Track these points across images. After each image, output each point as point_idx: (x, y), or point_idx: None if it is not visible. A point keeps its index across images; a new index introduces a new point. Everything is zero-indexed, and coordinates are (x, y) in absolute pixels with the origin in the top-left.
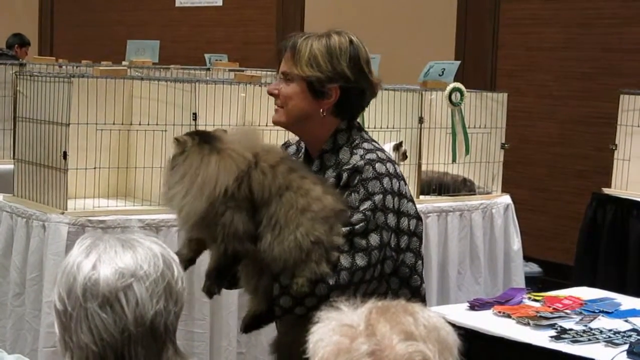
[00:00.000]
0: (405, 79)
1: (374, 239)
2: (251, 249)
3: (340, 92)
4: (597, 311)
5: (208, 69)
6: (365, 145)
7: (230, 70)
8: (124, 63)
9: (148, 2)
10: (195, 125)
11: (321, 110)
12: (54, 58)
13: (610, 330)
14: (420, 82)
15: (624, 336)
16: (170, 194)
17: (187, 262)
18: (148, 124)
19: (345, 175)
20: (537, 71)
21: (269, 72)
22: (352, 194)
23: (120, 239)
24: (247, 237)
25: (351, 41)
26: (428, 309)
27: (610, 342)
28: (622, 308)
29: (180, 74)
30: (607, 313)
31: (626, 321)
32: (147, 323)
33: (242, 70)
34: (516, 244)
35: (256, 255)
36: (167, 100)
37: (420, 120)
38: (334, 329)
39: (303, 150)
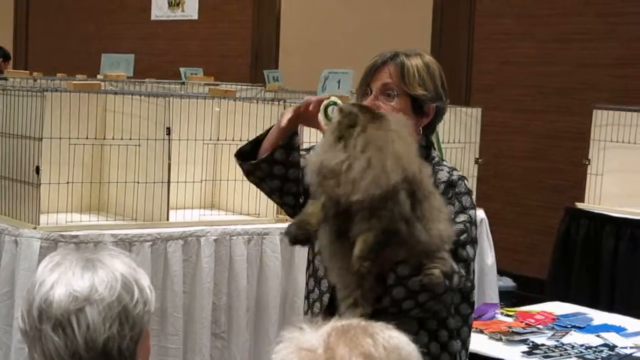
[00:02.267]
0: None
1: (470, 251)
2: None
3: (435, 112)
4: (569, 326)
5: (183, 83)
6: (445, 164)
7: (205, 85)
8: (98, 77)
9: (123, 15)
10: (169, 140)
11: (420, 127)
12: (27, 71)
13: (582, 346)
14: None
15: (595, 351)
16: (351, 162)
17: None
18: (122, 139)
19: (441, 187)
20: (512, 86)
21: (244, 87)
22: (448, 206)
23: (84, 258)
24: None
25: (437, 62)
26: (389, 328)
27: (581, 357)
28: (594, 323)
29: (155, 88)
30: (579, 328)
31: (598, 336)
32: (98, 347)
33: (217, 84)
34: (490, 258)
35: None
36: (140, 114)
37: None
38: (293, 351)
39: None
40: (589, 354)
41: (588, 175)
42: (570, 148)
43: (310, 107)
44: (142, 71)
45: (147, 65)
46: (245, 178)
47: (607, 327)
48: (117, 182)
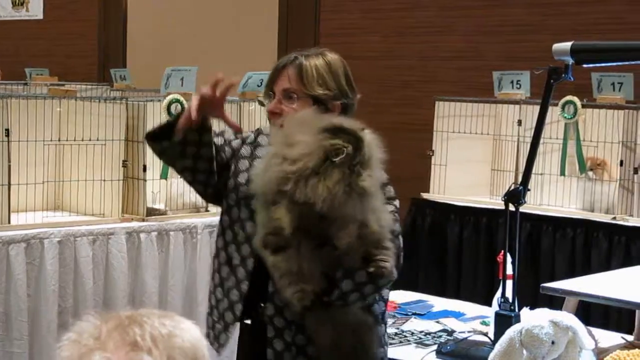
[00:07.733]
0: None
1: (401, 240)
2: None
3: (341, 109)
4: (409, 314)
5: (25, 84)
6: None
7: (50, 85)
8: None
9: None
10: (9, 141)
11: None
12: None
13: (421, 332)
14: (239, 93)
15: (434, 337)
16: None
17: None
18: None
19: None
20: (358, 80)
21: (89, 86)
22: None
23: None
24: None
25: (341, 59)
26: (169, 317)
27: (420, 343)
28: (434, 310)
29: None
30: (420, 315)
31: (437, 322)
32: None
33: (62, 85)
34: None
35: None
36: None
37: None
38: (67, 344)
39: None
40: (427, 340)
41: (432, 166)
42: (416, 140)
43: (218, 94)
44: None
45: None
46: (90, 178)
47: (446, 313)
48: None
